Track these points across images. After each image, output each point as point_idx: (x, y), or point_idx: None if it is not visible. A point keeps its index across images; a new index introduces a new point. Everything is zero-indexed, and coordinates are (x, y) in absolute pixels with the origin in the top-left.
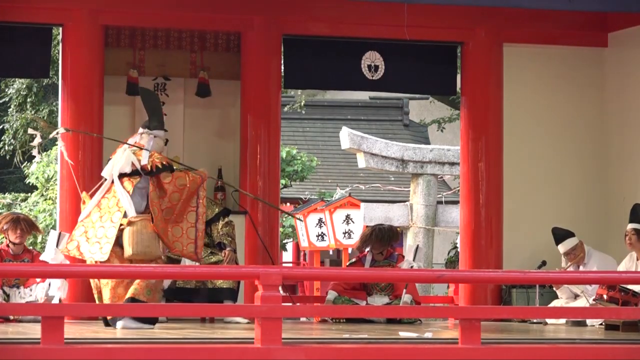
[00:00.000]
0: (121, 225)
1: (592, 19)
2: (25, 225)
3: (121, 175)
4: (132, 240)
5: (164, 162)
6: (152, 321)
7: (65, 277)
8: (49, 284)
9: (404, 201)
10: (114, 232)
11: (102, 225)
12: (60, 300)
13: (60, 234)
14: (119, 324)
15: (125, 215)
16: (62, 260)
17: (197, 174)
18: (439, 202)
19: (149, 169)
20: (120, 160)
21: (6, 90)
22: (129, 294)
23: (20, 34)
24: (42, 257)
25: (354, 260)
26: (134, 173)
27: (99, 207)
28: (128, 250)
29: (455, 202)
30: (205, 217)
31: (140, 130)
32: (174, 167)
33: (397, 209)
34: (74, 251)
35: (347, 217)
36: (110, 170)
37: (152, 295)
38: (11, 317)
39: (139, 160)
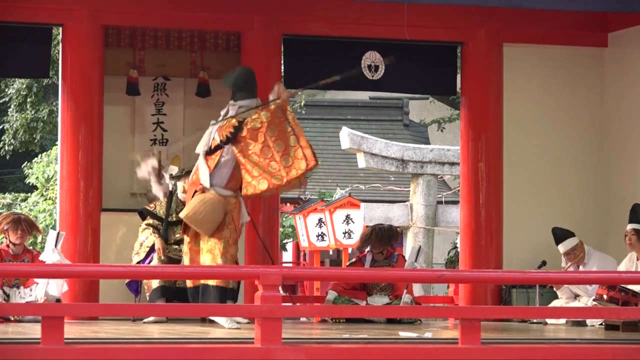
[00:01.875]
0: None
1: (592, 19)
2: (25, 225)
3: (208, 153)
4: (191, 204)
5: (234, 125)
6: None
7: (65, 277)
8: (47, 282)
9: (404, 201)
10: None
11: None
12: (59, 299)
13: (58, 233)
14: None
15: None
16: (61, 260)
17: (273, 104)
18: (439, 202)
19: (225, 138)
20: (205, 137)
21: (6, 90)
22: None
23: (20, 34)
24: (41, 257)
25: (354, 260)
26: (217, 147)
27: None
28: (183, 212)
29: (455, 202)
30: None
31: (230, 101)
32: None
33: (397, 209)
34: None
35: (347, 217)
36: (200, 147)
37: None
38: (11, 318)
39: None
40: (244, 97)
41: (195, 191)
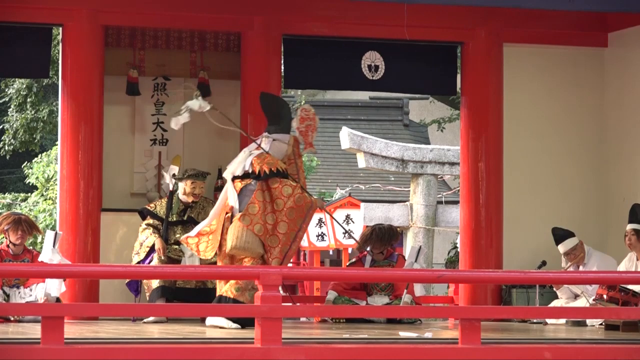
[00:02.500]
0: (226, 222)
1: (592, 19)
2: (26, 226)
3: (234, 178)
4: (233, 234)
5: (275, 168)
6: (241, 322)
7: (65, 277)
8: (45, 283)
9: (404, 201)
10: (219, 229)
11: (211, 223)
12: (58, 299)
13: (56, 233)
14: (208, 320)
15: (232, 214)
16: (60, 260)
17: (309, 197)
18: (439, 202)
19: (257, 172)
20: (236, 161)
21: (6, 90)
22: (218, 292)
23: (20, 34)
24: (40, 258)
25: (354, 260)
26: (247, 175)
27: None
28: (228, 244)
29: (455, 202)
30: (206, 217)
31: (264, 132)
32: (286, 174)
33: (397, 209)
34: (194, 247)
35: (347, 217)
36: (229, 171)
37: (241, 292)
38: (11, 318)
39: (252, 164)
40: (278, 131)
41: (227, 213)
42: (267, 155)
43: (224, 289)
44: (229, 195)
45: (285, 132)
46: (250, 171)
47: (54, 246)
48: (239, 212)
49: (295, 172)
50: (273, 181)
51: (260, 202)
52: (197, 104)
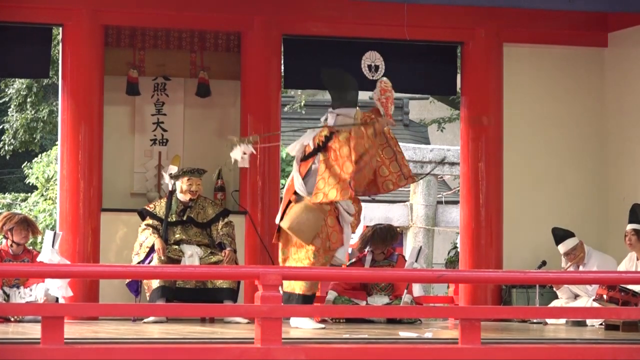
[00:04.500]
0: (289, 202)
1: (592, 19)
2: (33, 227)
3: (302, 160)
4: (291, 214)
5: (326, 135)
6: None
7: (64, 277)
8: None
9: (404, 201)
10: (281, 214)
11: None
12: (57, 299)
13: (55, 233)
14: (292, 321)
15: (297, 200)
16: (59, 260)
17: (369, 127)
18: (439, 202)
19: (317, 145)
20: (299, 141)
21: (6, 90)
22: (285, 288)
23: (20, 34)
24: (39, 258)
25: (354, 260)
26: (309, 155)
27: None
28: (284, 223)
29: (455, 202)
30: (206, 217)
31: (329, 109)
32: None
33: (397, 209)
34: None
35: None
36: (292, 147)
37: (309, 287)
38: (11, 318)
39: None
40: (343, 105)
41: (290, 200)
42: (322, 128)
43: (292, 285)
44: (295, 179)
45: (350, 106)
46: (312, 148)
47: (53, 246)
48: (307, 194)
49: (392, 155)
50: (331, 142)
51: (324, 170)
52: (238, 153)
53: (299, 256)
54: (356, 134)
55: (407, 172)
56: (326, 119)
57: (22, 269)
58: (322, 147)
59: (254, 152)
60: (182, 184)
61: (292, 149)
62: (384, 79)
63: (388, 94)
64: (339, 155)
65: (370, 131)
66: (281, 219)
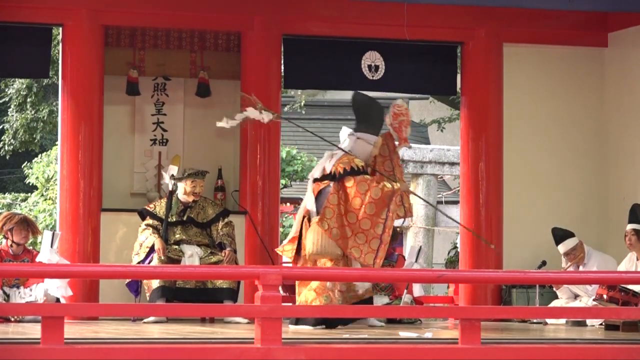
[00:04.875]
0: (304, 226)
1: (592, 19)
2: (33, 227)
3: (316, 180)
4: (310, 239)
5: (350, 167)
6: (330, 323)
7: (64, 277)
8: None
9: None
10: (297, 231)
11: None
12: (58, 299)
13: (54, 233)
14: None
15: (309, 217)
16: (58, 260)
17: (389, 184)
18: (439, 202)
19: (333, 172)
20: (319, 163)
21: (6, 90)
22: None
23: (20, 34)
24: (38, 258)
25: None
26: (324, 177)
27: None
28: (307, 249)
29: (455, 202)
30: (206, 217)
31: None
32: (363, 172)
33: None
34: (289, 254)
35: None
36: (312, 173)
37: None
38: (11, 318)
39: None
40: (365, 130)
41: (303, 217)
42: (346, 155)
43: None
44: (307, 198)
45: (373, 133)
46: (328, 171)
47: (52, 246)
48: (317, 214)
49: (391, 169)
50: (347, 180)
51: (334, 205)
52: (256, 113)
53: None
54: (375, 195)
55: (408, 206)
56: (345, 141)
57: (22, 269)
58: (337, 178)
59: (264, 122)
60: (185, 185)
61: (313, 173)
62: (398, 101)
63: (401, 118)
64: (350, 204)
65: (387, 187)
66: (299, 237)
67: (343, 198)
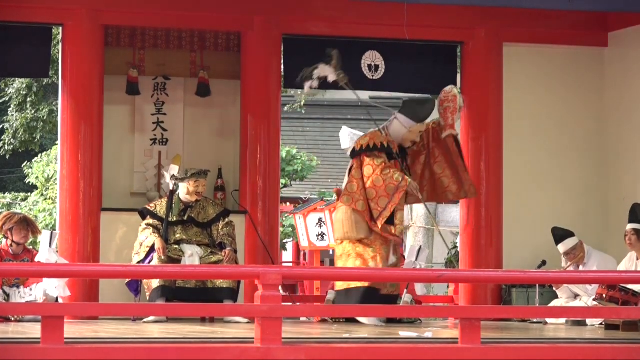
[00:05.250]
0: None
1: (592, 19)
2: (33, 227)
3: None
4: (334, 226)
5: (367, 144)
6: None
7: (64, 277)
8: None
9: None
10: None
11: None
12: (57, 299)
13: (52, 233)
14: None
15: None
16: (57, 260)
17: (398, 177)
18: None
19: (359, 148)
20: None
21: (6, 90)
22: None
23: (20, 34)
24: (37, 258)
25: None
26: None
27: None
28: (335, 235)
29: (455, 202)
30: (206, 217)
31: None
32: (384, 149)
33: None
34: None
35: None
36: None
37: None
38: (11, 317)
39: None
40: (406, 114)
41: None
42: (375, 132)
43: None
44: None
45: (412, 119)
46: (358, 147)
47: (50, 246)
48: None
49: (452, 167)
50: (365, 157)
51: (357, 179)
52: (329, 72)
53: (359, 250)
54: (376, 182)
55: (468, 188)
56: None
57: (22, 268)
58: (356, 152)
59: (330, 82)
60: (188, 185)
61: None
62: (447, 88)
63: (447, 104)
64: (373, 180)
65: (397, 175)
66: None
67: (356, 175)
